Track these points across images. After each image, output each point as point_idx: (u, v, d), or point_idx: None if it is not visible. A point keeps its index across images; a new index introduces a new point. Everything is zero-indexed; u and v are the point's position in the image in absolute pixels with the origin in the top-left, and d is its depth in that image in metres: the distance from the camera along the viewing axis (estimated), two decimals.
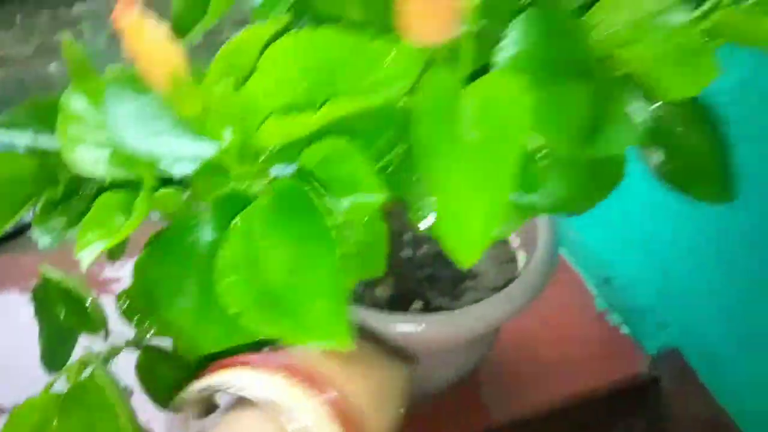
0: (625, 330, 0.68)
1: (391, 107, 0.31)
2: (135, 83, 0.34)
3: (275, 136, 0.28)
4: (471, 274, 0.55)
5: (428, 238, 0.57)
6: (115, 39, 1.34)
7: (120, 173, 0.35)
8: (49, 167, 0.40)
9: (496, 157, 0.26)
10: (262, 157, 0.32)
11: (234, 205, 0.33)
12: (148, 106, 0.33)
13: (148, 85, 0.34)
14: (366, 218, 0.33)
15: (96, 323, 0.41)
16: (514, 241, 0.55)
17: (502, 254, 0.55)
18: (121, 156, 0.34)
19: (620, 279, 0.69)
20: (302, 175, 0.30)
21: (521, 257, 0.55)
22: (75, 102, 0.37)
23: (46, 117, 0.42)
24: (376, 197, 0.32)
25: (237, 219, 0.31)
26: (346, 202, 0.30)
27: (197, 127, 0.30)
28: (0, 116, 0.41)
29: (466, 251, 0.25)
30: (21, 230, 0.85)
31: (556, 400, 0.65)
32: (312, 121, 0.27)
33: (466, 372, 0.57)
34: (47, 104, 0.42)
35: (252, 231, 0.31)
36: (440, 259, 0.56)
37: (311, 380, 0.36)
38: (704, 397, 0.60)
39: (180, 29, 0.51)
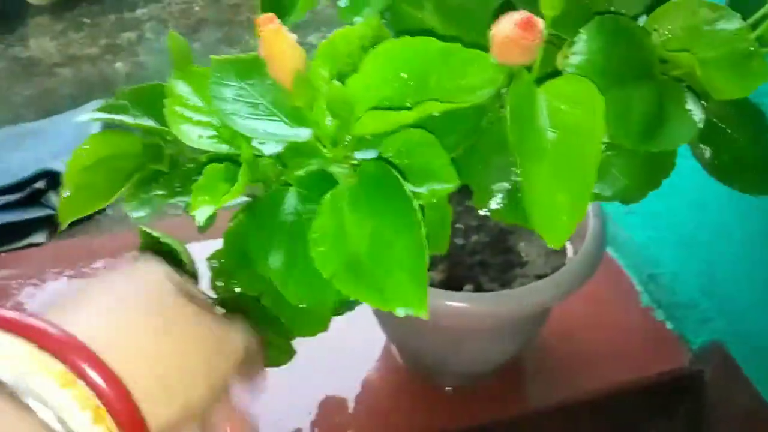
0: (669, 325, 0.70)
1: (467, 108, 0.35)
2: (236, 72, 0.38)
3: (371, 126, 0.32)
4: (520, 262, 0.58)
5: (480, 227, 0.60)
6: None
7: (221, 148, 0.40)
8: (152, 145, 0.45)
9: (576, 154, 0.30)
10: (348, 143, 0.36)
11: (322, 182, 0.37)
12: (247, 93, 0.38)
13: (248, 73, 0.38)
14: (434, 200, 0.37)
15: (194, 279, 0.46)
16: None
17: None
18: (224, 134, 0.39)
19: (665, 275, 0.72)
20: (383, 161, 0.34)
21: (569, 248, 0.58)
22: (179, 86, 0.42)
23: (144, 102, 0.47)
24: (449, 185, 0.35)
25: (327, 195, 0.36)
26: (423, 189, 0.34)
27: (306, 114, 0.34)
28: (107, 101, 0.46)
29: (555, 236, 0.29)
30: (90, 215, 0.91)
31: (597, 391, 0.67)
32: (406, 117, 0.31)
33: (510, 357, 0.60)
34: (144, 91, 0.47)
35: (340, 207, 0.35)
36: (491, 247, 0.59)
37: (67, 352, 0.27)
38: (748, 390, 0.62)
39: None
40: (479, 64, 0.32)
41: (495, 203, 0.40)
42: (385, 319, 0.60)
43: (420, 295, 0.31)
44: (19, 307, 0.77)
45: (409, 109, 0.33)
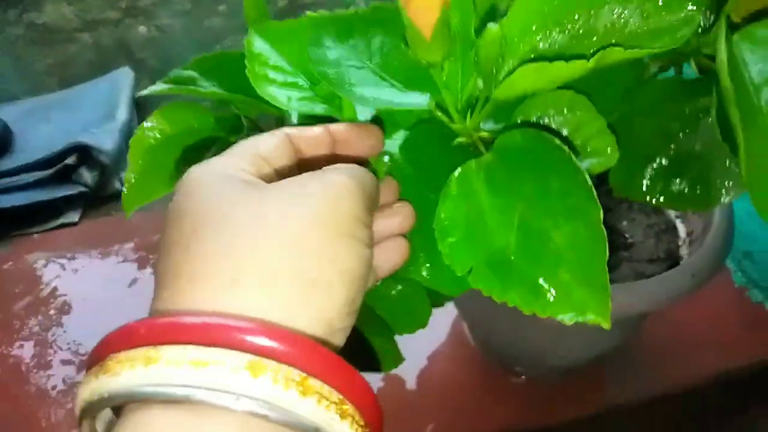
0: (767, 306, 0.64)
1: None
2: (336, 32, 0.31)
3: (525, 84, 0.25)
4: (625, 245, 0.51)
5: None
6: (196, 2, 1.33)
7: (316, 109, 0.34)
8: (226, 117, 0.39)
9: None
10: (483, 110, 0.30)
11: (439, 158, 0.31)
12: (350, 55, 0.31)
13: (348, 33, 0.32)
14: None
15: None
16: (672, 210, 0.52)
17: (659, 223, 0.52)
18: (320, 91, 0.33)
19: (762, 252, 0.65)
20: (535, 128, 0.28)
21: (681, 227, 0.51)
22: (257, 43, 0.35)
23: (213, 71, 0.40)
24: (609, 161, 0.29)
25: (455, 174, 0.29)
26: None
27: (434, 74, 0.28)
28: (171, 73, 0.40)
29: None
30: (117, 194, 0.85)
31: (685, 383, 0.61)
32: (575, 68, 0.24)
33: (609, 350, 0.54)
34: (212, 60, 0.40)
35: (474, 189, 0.29)
36: None
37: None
38: None
39: None
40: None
41: (645, 182, 0.33)
42: (467, 303, 0.54)
43: (599, 299, 0.25)
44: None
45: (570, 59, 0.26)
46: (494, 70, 0.25)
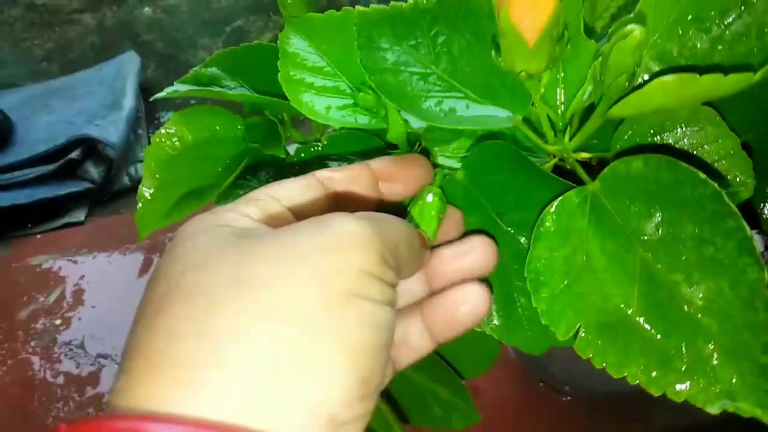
0: None
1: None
2: (393, 30, 0.26)
3: (665, 98, 0.19)
4: None
5: None
6: None
7: (360, 121, 0.28)
8: (260, 124, 0.33)
9: None
10: (580, 131, 0.24)
11: (529, 186, 0.25)
12: (411, 59, 0.25)
13: (409, 31, 0.26)
14: None
15: None
16: None
17: None
18: (363, 101, 0.27)
19: None
20: (661, 154, 0.22)
21: (758, 239, 0.46)
22: (294, 41, 0.30)
23: (241, 68, 0.35)
24: (744, 190, 0.23)
25: (551, 209, 0.24)
26: None
27: (529, 86, 0.22)
28: (191, 71, 0.34)
29: None
30: (135, 186, 0.80)
31: None
32: (736, 82, 0.18)
33: None
34: (239, 55, 0.35)
35: (575, 227, 0.23)
36: None
37: None
38: None
39: None
40: None
41: None
42: None
43: (755, 384, 0.19)
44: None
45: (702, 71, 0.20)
46: (627, 83, 0.19)
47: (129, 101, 0.84)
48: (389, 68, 0.25)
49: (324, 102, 0.29)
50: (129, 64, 0.93)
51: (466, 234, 0.26)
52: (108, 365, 0.63)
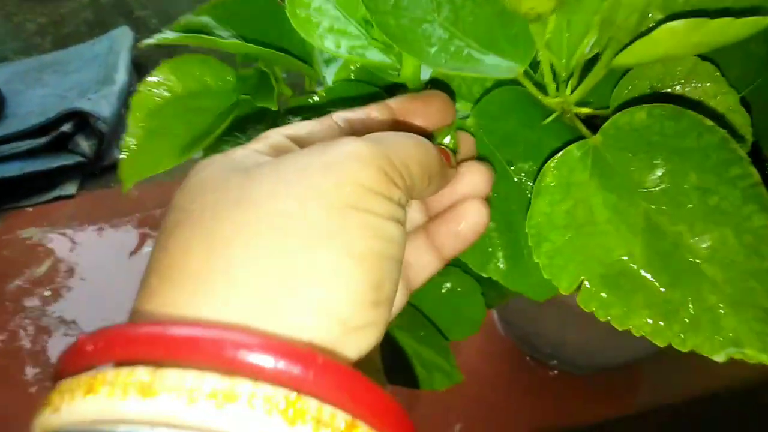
0: None
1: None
2: None
3: (672, 45, 0.19)
4: None
5: None
6: None
7: (374, 57, 0.27)
8: (253, 75, 0.32)
9: None
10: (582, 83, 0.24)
11: (536, 136, 0.25)
12: (413, 4, 0.25)
13: None
14: None
15: None
16: None
17: None
18: (377, 35, 0.27)
19: None
20: (666, 104, 0.22)
21: None
22: None
23: (233, 17, 0.34)
24: (742, 145, 0.23)
25: (552, 163, 0.23)
26: None
27: (534, 32, 0.21)
28: (181, 19, 0.33)
29: None
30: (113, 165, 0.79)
31: (737, 379, 0.57)
32: (746, 26, 0.18)
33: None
34: (228, 4, 0.34)
35: (577, 181, 0.23)
36: None
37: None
38: None
39: None
40: None
41: None
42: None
43: (760, 330, 0.19)
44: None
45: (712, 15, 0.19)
46: (637, 27, 0.19)
47: (121, 76, 0.83)
48: (390, 11, 0.25)
49: (333, 39, 0.28)
50: (122, 39, 0.91)
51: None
52: None
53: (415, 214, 0.25)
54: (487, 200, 0.24)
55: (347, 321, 0.17)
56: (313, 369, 0.15)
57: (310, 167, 0.18)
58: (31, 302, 0.67)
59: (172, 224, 0.19)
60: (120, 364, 0.16)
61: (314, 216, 0.17)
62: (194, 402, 0.14)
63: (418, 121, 0.25)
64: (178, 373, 0.15)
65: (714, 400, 0.56)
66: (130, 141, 0.32)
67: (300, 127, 0.23)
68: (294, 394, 0.15)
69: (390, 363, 0.33)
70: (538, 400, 0.56)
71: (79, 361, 0.16)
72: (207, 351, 0.15)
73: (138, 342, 0.16)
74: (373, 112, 0.24)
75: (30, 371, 0.61)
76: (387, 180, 0.19)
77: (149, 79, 0.32)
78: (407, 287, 0.25)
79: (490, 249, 0.26)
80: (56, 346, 0.63)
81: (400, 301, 0.24)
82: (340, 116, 0.23)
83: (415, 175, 0.20)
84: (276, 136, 0.22)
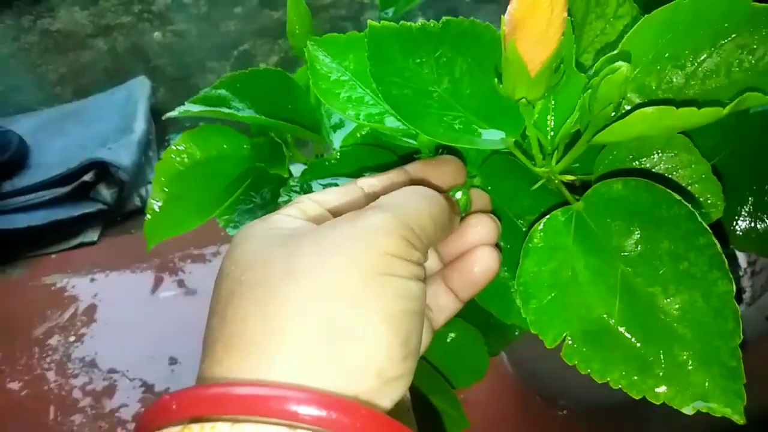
0: None
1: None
2: (401, 47, 0.28)
3: (645, 127, 0.21)
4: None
5: None
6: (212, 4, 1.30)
7: (391, 124, 0.30)
8: (264, 144, 0.35)
9: None
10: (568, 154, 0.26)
11: (530, 199, 0.27)
12: (416, 76, 0.27)
13: (415, 49, 0.28)
14: None
15: None
16: None
17: None
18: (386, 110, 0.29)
19: None
20: (641, 178, 0.24)
21: (741, 256, 0.47)
22: (321, 57, 0.32)
23: (248, 91, 0.37)
24: (715, 211, 0.25)
25: (538, 226, 0.25)
26: None
27: (523, 111, 0.24)
28: (201, 92, 0.36)
29: None
30: (136, 211, 0.82)
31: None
32: (707, 116, 0.20)
33: None
34: (247, 78, 0.37)
35: (562, 244, 0.25)
36: None
37: None
38: None
39: None
40: None
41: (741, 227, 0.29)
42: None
43: (727, 387, 0.21)
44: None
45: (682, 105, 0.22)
46: (613, 113, 0.21)
47: (140, 125, 0.87)
48: (395, 81, 0.27)
49: (353, 108, 0.31)
50: (140, 88, 0.95)
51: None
52: (119, 380, 0.65)
53: (431, 262, 0.28)
54: (498, 248, 0.27)
55: (384, 374, 0.20)
56: (359, 420, 0.18)
57: (344, 240, 0.21)
58: (56, 347, 0.69)
59: (226, 293, 0.22)
60: (196, 420, 0.18)
61: (351, 286, 0.20)
62: None
63: (433, 183, 0.27)
64: (253, 427, 0.18)
65: None
66: (154, 204, 0.34)
67: (328, 194, 0.26)
68: None
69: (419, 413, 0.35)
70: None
71: (163, 417, 0.19)
72: (273, 407, 0.18)
73: (215, 401, 0.19)
74: (393, 177, 0.27)
75: (55, 414, 0.63)
76: (408, 245, 0.22)
77: (172, 147, 0.34)
78: (431, 329, 0.27)
79: (509, 297, 0.28)
80: (80, 390, 0.65)
81: (424, 344, 0.27)
82: (365, 183, 0.26)
83: (430, 231, 0.23)
84: (309, 203, 0.25)
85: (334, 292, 0.20)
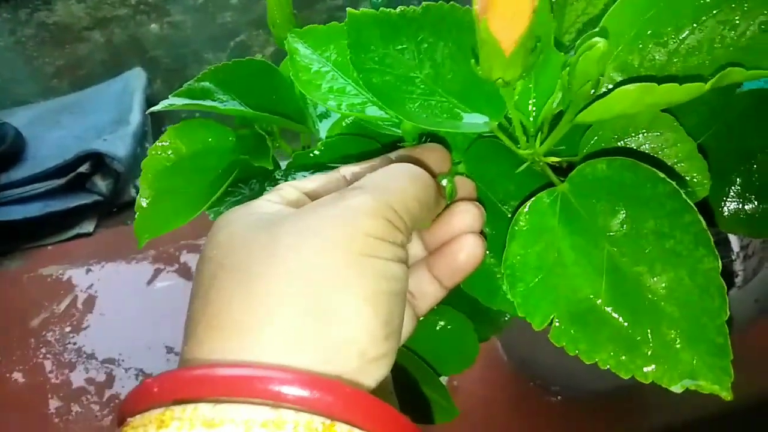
0: None
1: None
2: (381, 34, 0.27)
3: (627, 105, 0.21)
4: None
5: None
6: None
7: (373, 113, 0.30)
8: (249, 136, 0.35)
9: None
10: (551, 135, 0.26)
11: (515, 182, 0.27)
12: (396, 62, 0.27)
13: (395, 36, 0.28)
14: None
15: None
16: None
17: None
18: (369, 99, 0.29)
19: None
20: (624, 157, 0.24)
21: (734, 240, 0.47)
22: (301, 49, 0.31)
23: (232, 83, 0.36)
24: (702, 190, 0.25)
25: (525, 209, 0.25)
26: None
27: (504, 93, 0.24)
28: (185, 85, 0.36)
29: None
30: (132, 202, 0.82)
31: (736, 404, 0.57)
32: (689, 91, 0.20)
33: None
34: (231, 70, 0.36)
35: (547, 225, 0.25)
36: None
37: None
38: None
39: None
40: None
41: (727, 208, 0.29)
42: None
43: (714, 364, 0.21)
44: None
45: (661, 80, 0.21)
46: (592, 91, 0.21)
47: (136, 116, 0.86)
48: (376, 68, 0.27)
49: (334, 98, 0.30)
50: (136, 80, 0.95)
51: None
52: (116, 370, 0.65)
53: (416, 249, 0.28)
54: (483, 235, 0.27)
55: (366, 353, 0.20)
56: (342, 398, 0.18)
57: (325, 221, 0.21)
58: (53, 337, 0.69)
59: (208, 277, 0.22)
60: (179, 402, 0.18)
61: (333, 266, 0.20)
62: (251, 430, 0.17)
63: None
64: (235, 408, 0.18)
65: (728, 419, 0.57)
66: (142, 201, 0.34)
67: (310, 181, 0.25)
68: (329, 420, 0.18)
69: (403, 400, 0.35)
70: (541, 425, 0.56)
71: (145, 400, 0.19)
72: (256, 387, 0.18)
73: (197, 383, 0.19)
74: (376, 165, 0.26)
75: (53, 404, 0.64)
76: (391, 227, 0.22)
77: (158, 144, 0.34)
78: (414, 315, 0.27)
79: (495, 283, 0.28)
80: (77, 380, 0.66)
81: (407, 330, 0.27)
82: (348, 170, 0.26)
83: (414, 212, 0.23)
84: (289, 188, 0.25)
85: (316, 273, 0.20)
